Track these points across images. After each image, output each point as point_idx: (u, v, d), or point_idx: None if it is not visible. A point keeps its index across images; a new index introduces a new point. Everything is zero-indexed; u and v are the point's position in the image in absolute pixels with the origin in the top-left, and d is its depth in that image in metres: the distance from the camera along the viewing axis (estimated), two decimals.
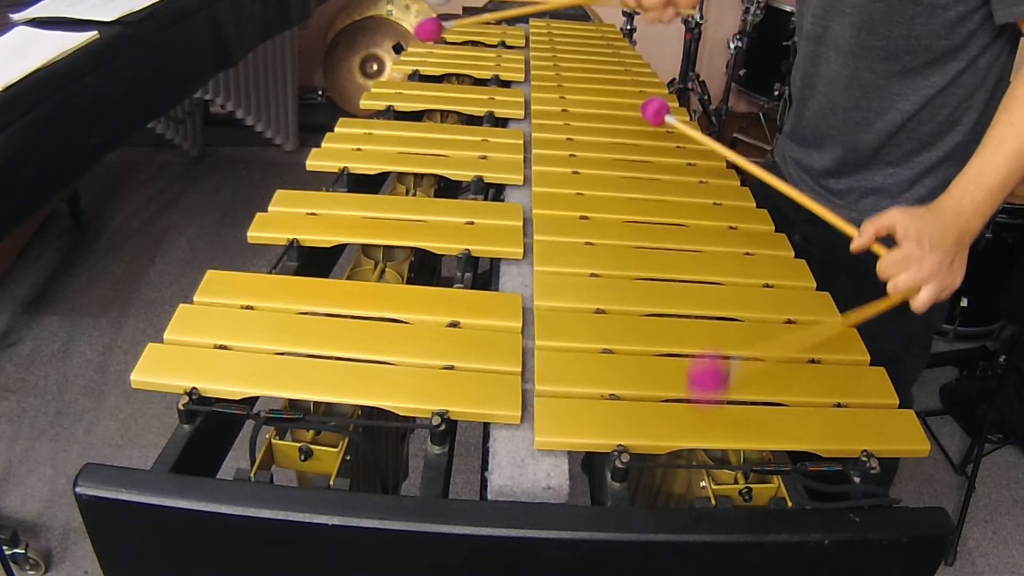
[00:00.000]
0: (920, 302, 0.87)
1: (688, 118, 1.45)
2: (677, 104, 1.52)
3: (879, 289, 1.03)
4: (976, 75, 1.07)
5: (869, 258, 1.18)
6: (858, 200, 1.21)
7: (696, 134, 1.21)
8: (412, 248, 1.03)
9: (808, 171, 1.28)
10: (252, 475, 0.71)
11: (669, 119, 1.22)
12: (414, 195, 1.20)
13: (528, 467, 0.73)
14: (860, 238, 0.93)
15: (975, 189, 0.93)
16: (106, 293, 2.56)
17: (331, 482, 0.70)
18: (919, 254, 0.87)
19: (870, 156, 1.18)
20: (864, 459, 0.73)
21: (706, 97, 3.34)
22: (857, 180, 1.20)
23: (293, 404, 0.78)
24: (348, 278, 1.00)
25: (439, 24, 1.27)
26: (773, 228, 1.11)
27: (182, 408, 0.74)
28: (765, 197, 1.16)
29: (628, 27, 3.11)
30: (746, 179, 1.22)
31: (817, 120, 1.22)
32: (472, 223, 1.05)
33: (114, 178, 3.19)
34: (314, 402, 0.79)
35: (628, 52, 1.85)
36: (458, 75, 1.63)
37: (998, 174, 0.92)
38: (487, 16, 1.40)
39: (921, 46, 1.05)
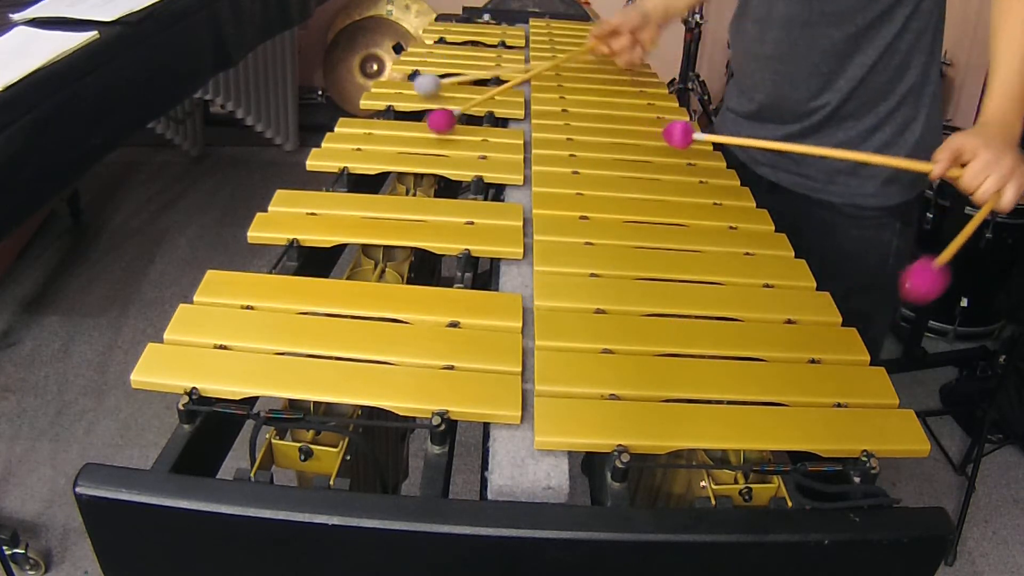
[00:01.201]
0: (1007, 200, 0.97)
1: (688, 118, 1.45)
2: (676, 104, 1.52)
3: (844, 235, 1.10)
4: (921, 18, 1.15)
5: (837, 217, 1.26)
6: (821, 158, 1.24)
7: (727, 138, 1.24)
8: (412, 248, 1.03)
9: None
10: (252, 475, 0.71)
11: (698, 136, 1.21)
12: (414, 195, 1.20)
13: (528, 467, 0.73)
14: (938, 165, 1.00)
15: (1005, 102, 1.04)
16: (106, 293, 2.56)
17: (331, 482, 0.70)
18: (995, 158, 0.97)
19: (832, 114, 1.22)
20: (864, 459, 0.73)
21: (706, 97, 3.34)
22: (819, 139, 1.24)
23: (293, 404, 0.78)
24: (348, 278, 1.00)
25: (451, 114, 1.28)
26: (773, 228, 1.11)
27: (182, 408, 0.74)
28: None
29: None
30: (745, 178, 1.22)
31: (776, 98, 1.25)
32: (472, 223, 1.05)
33: (114, 178, 3.19)
34: (314, 402, 0.79)
35: None
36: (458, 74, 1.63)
37: (1017, 83, 1.03)
38: (492, 91, 1.44)
39: (871, 1, 1.11)
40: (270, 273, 0.95)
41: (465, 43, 1.83)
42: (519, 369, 0.80)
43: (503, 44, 1.81)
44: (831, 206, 1.27)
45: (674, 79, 3.30)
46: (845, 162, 1.21)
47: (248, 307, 0.87)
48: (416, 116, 1.41)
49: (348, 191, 1.15)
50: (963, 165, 0.99)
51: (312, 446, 0.75)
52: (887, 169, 1.21)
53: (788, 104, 1.25)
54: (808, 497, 0.71)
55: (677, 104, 1.52)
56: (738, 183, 1.23)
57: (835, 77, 1.19)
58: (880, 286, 1.27)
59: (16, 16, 1.74)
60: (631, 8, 1.44)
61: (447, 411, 0.74)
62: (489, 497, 0.71)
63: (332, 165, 1.18)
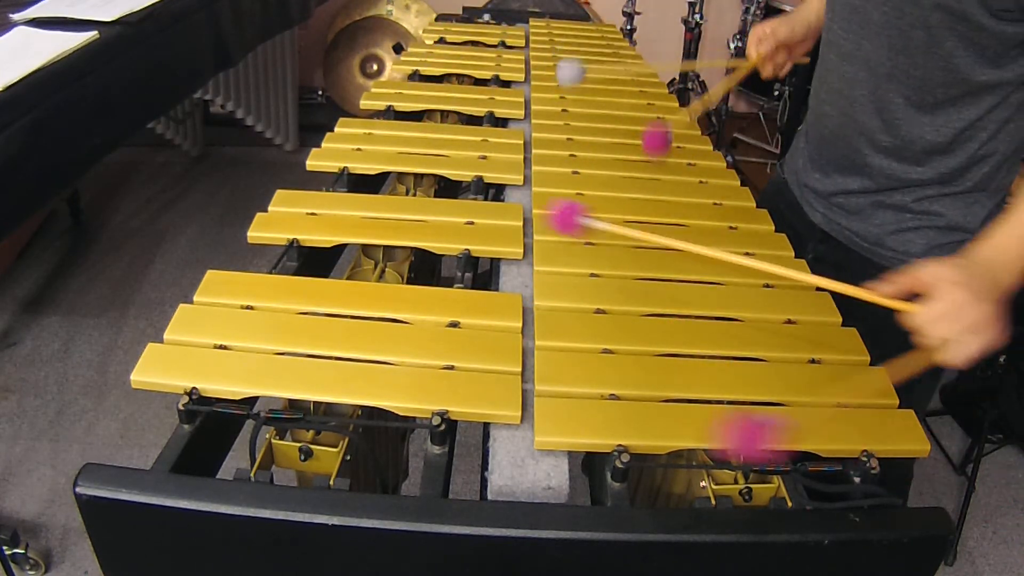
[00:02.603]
0: (952, 355, 0.79)
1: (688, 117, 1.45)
2: (676, 104, 1.52)
3: (882, 318, 1.00)
4: (1008, 109, 1.02)
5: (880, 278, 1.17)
6: (874, 213, 1.15)
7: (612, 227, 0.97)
8: (412, 248, 1.03)
9: (821, 193, 1.22)
10: (252, 475, 0.71)
11: (589, 222, 0.92)
12: (414, 195, 1.20)
13: (528, 467, 0.73)
14: (890, 288, 0.83)
15: (1015, 240, 0.89)
16: (106, 293, 2.56)
17: (331, 482, 0.70)
18: (964, 304, 0.79)
19: (891, 182, 1.12)
20: (864, 459, 0.73)
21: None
22: (875, 198, 1.15)
23: (293, 404, 0.78)
24: (348, 278, 1.00)
25: (669, 133, 1.16)
26: (773, 228, 1.11)
27: (182, 408, 0.74)
28: (778, 218, 1.14)
29: (628, 27, 3.11)
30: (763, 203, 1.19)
31: (840, 140, 1.16)
32: (472, 223, 1.05)
33: (114, 178, 3.19)
34: (314, 402, 0.79)
35: (628, 52, 1.85)
36: (458, 75, 1.63)
37: None
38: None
39: (957, 79, 1.00)
40: (270, 273, 0.95)
41: (465, 43, 1.83)
42: (519, 369, 0.80)
43: (503, 44, 1.81)
44: (879, 267, 1.14)
45: (674, 79, 3.30)
46: (892, 226, 1.13)
47: (248, 307, 0.87)
48: (416, 116, 1.41)
49: (348, 191, 1.15)
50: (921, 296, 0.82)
51: (312, 446, 0.75)
52: (932, 240, 1.12)
53: (848, 150, 1.15)
54: (809, 497, 0.71)
55: (677, 104, 1.52)
56: (738, 183, 1.23)
57: (902, 147, 1.08)
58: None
59: (16, 16, 1.74)
60: (794, 20, 1.32)
61: (447, 411, 0.74)
62: (489, 497, 0.71)
63: (332, 165, 1.18)
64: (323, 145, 1.24)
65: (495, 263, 1.03)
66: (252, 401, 0.77)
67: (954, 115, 1.03)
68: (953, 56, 0.99)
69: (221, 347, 0.81)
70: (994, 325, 0.80)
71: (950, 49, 0.98)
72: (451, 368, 0.80)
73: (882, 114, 1.08)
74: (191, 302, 0.88)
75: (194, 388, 0.75)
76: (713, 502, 0.71)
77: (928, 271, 0.82)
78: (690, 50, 3.20)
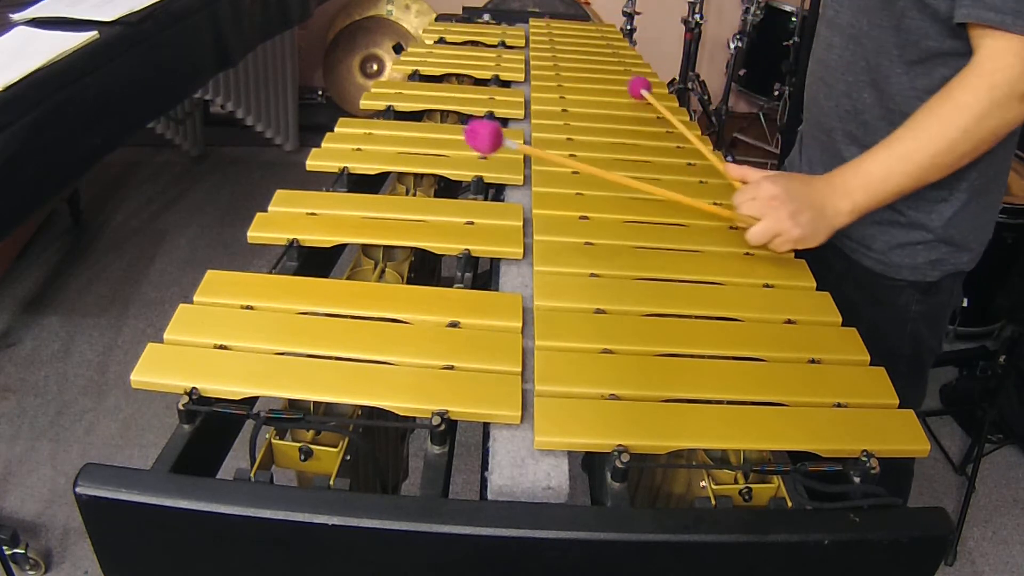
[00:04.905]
0: (750, 233, 0.99)
1: (688, 118, 1.45)
2: (676, 104, 1.52)
3: (860, 296, 1.05)
4: None
5: (850, 270, 1.18)
6: None
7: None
8: (412, 248, 1.03)
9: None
10: (252, 475, 0.71)
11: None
12: (414, 195, 1.20)
13: (528, 467, 0.73)
14: (730, 170, 1.09)
15: (852, 173, 1.00)
16: (106, 293, 2.57)
17: (331, 482, 0.70)
18: (766, 191, 0.98)
19: (854, 151, 1.13)
20: (864, 459, 0.73)
21: (706, 97, 3.34)
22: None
23: (293, 404, 0.78)
24: (348, 278, 1.00)
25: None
26: None
27: (182, 408, 0.74)
28: None
29: (628, 27, 3.11)
30: None
31: (812, 103, 1.21)
32: (472, 223, 1.05)
33: (114, 178, 3.19)
34: (314, 402, 0.79)
35: (628, 52, 1.85)
36: (458, 75, 1.63)
37: (880, 168, 0.98)
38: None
39: (909, 42, 1.02)
40: (270, 273, 0.95)
41: (465, 43, 1.83)
42: (519, 369, 0.80)
43: (503, 44, 1.81)
44: (847, 258, 1.20)
45: (674, 79, 3.30)
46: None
47: (248, 307, 0.87)
48: (416, 116, 1.41)
49: (348, 191, 1.15)
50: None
51: (312, 446, 0.75)
52: (892, 239, 1.14)
53: (817, 117, 1.19)
54: (809, 497, 0.71)
55: (677, 104, 1.52)
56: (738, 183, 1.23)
57: (863, 110, 1.10)
58: (902, 349, 1.19)
59: (16, 16, 1.74)
60: None
61: (447, 411, 0.74)
62: (489, 497, 0.71)
63: (332, 165, 1.18)
64: (323, 145, 1.24)
65: (495, 263, 1.03)
66: (252, 401, 0.77)
67: (907, 84, 1.05)
68: (904, 16, 1.02)
69: (221, 347, 0.81)
70: (786, 218, 0.97)
71: (902, 8, 1.01)
72: (451, 368, 0.80)
73: (848, 75, 1.11)
74: (191, 302, 0.88)
75: (194, 388, 0.75)
76: (713, 502, 0.71)
77: (754, 174, 1.04)
78: (690, 50, 3.20)
